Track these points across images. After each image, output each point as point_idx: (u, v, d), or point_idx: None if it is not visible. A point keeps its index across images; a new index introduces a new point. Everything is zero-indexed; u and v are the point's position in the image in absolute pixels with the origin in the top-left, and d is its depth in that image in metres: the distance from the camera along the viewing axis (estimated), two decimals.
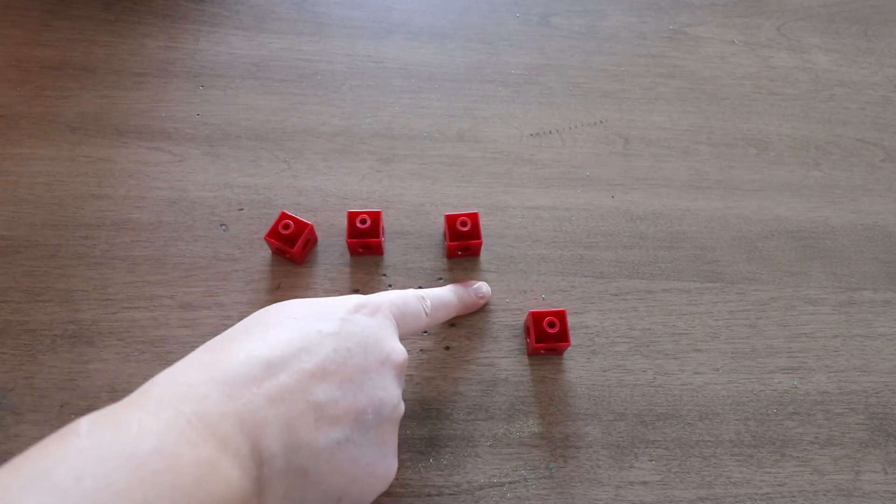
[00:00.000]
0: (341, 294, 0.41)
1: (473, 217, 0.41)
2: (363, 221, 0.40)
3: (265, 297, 0.41)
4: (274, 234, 0.40)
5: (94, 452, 0.20)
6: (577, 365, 0.40)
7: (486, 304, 0.41)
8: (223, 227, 0.43)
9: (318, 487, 0.25)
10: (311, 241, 0.42)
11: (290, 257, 0.41)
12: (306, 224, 0.40)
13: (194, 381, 0.24)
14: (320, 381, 0.25)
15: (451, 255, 0.42)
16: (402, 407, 0.29)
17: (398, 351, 0.29)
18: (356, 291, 0.41)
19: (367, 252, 0.42)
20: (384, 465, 0.28)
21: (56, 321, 0.39)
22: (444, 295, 0.37)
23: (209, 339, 0.39)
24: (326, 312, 0.28)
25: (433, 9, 0.54)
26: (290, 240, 0.40)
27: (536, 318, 0.38)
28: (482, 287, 0.40)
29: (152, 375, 0.36)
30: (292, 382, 0.25)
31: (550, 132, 0.49)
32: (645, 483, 0.37)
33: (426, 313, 0.34)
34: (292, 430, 0.24)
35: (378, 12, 0.54)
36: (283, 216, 0.40)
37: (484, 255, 0.43)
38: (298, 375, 0.25)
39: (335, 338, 0.27)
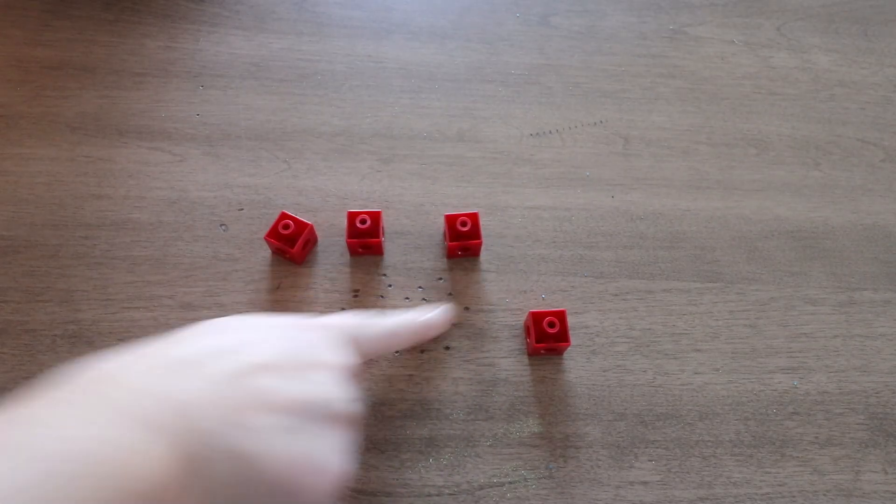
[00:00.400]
0: (340, 294, 0.41)
1: (473, 217, 0.41)
2: (363, 221, 0.40)
3: (265, 296, 0.41)
4: (274, 234, 0.40)
5: (8, 445, 0.20)
6: (577, 365, 0.40)
7: (449, 327, 0.39)
8: (223, 227, 0.43)
9: (260, 473, 0.24)
10: (311, 241, 0.42)
11: (290, 257, 0.41)
12: (306, 224, 0.40)
13: (130, 366, 0.24)
14: (265, 371, 0.26)
15: (451, 255, 0.42)
16: (339, 406, 0.28)
17: (337, 356, 0.29)
18: (356, 291, 0.41)
19: (367, 252, 0.42)
20: (331, 460, 0.27)
21: (56, 321, 0.39)
22: (402, 319, 0.35)
23: None
24: (275, 323, 0.30)
25: (433, 9, 0.54)
26: (290, 240, 0.40)
27: (536, 318, 0.38)
28: (441, 308, 0.37)
29: None
30: (235, 367, 0.25)
31: (550, 132, 0.49)
32: (645, 483, 0.37)
33: (381, 337, 0.34)
34: (233, 410, 0.24)
35: (378, 12, 0.54)
36: (283, 216, 0.40)
37: (484, 255, 0.43)
38: (241, 363, 0.26)
39: (282, 340, 0.28)
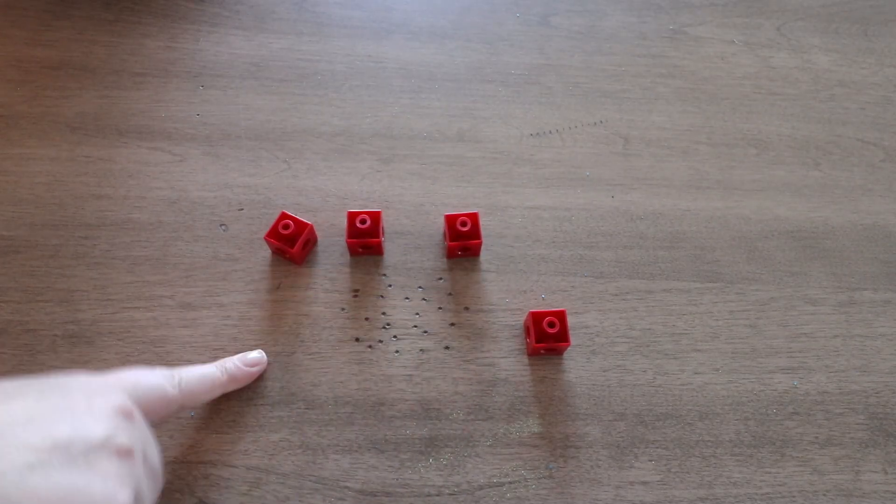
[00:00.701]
0: (340, 294, 0.41)
1: (473, 217, 0.41)
2: (363, 221, 0.40)
3: (265, 296, 0.41)
4: (274, 234, 0.40)
5: None
6: (577, 365, 0.40)
7: (261, 373, 0.38)
8: (223, 227, 0.43)
9: None
10: (311, 242, 0.42)
11: (290, 257, 0.41)
12: (306, 224, 0.40)
13: None
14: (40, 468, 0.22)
15: (451, 255, 0.42)
16: (123, 496, 0.24)
17: (116, 436, 0.26)
18: (356, 291, 0.41)
19: (366, 252, 0.42)
20: (99, 491, 0.24)
21: (56, 321, 0.39)
22: (204, 370, 0.34)
23: (209, 339, 0.39)
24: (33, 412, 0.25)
25: (433, 9, 0.54)
26: (290, 240, 0.40)
27: (536, 318, 0.38)
28: (249, 355, 0.38)
29: None
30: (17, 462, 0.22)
31: (550, 132, 0.49)
32: (645, 483, 0.37)
33: (174, 387, 0.31)
34: None
35: (378, 12, 0.54)
36: (283, 216, 0.40)
37: (484, 255, 0.43)
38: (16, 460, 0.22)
39: (38, 381, 0.26)
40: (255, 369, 0.37)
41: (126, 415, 0.27)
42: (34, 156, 0.44)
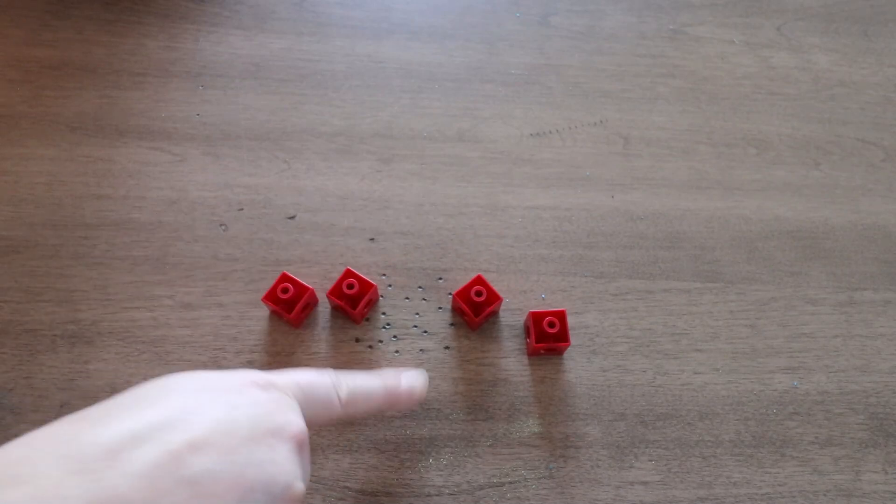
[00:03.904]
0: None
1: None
2: (350, 286, 0.38)
3: None
4: (272, 298, 0.38)
5: None
6: (577, 365, 0.40)
7: (418, 402, 0.34)
8: (223, 227, 0.43)
9: None
10: (311, 305, 0.40)
11: (288, 321, 0.39)
12: (307, 287, 0.38)
13: (36, 457, 0.20)
14: (197, 452, 0.21)
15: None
16: (299, 486, 0.24)
17: (295, 423, 0.25)
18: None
19: (340, 312, 0.41)
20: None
21: (56, 321, 0.39)
22: (368, 386, 0.31)
23: (209, 339, 0.39)
24: (213, 385, 0.25)
25: (433, 9, 0.54)
26: (289, 304, 0.38)
27: (536, 318, 0.38)
28: (416, 382, 0.33)
29: (152, 375, 0.36)
30: (160, 454, 0.20)
31: (550, 132, 0.49)
32: (645, 483, 0.37)
33: (340, 402, 0.29)
34: None
35: (378, 12, 0.54)
36: (284, 278, 0.38)
37: (484, 255, 0.43)
38: (168, 447, 0.21)
39: (219, 407, 0.23)
40: (415, 400, 0.33)
41: (301, 446, 0.25)
42: (34, 156, 0.44)
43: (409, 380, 0.33)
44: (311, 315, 0.40)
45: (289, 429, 0.24)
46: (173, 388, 0.24)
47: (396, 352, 0.40)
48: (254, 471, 0.22)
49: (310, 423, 0.27)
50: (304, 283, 0.39)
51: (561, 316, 0.38)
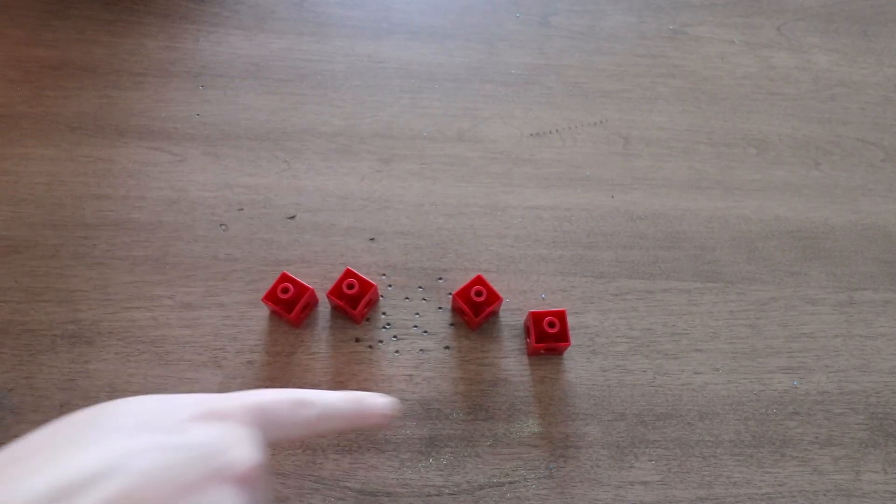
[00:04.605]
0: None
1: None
2: (350, 286, 0.38)
3: None
4: (272, 298, 0.38)
5: None
6: (577, 365, 0.40)
7: (389, 423, 0.33)
8: (223, 227, 0.43)
9: None
10: (311, 305, 0.40)
11: (288, 321, 0.39)
12: (307, 287, 0.38)
13: None
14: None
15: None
16: None
17: (240, 460, 0.23)
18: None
19: (340, 312, 0.41)
20: None
21: (56, 321, 0.39)
22: (335, 401, 0.29)
23: (209, 339, 0.39)
24: (155, 420, 0.23)
25: (433, 9, 0.54)
26: (289, 304, 0.38)
27: (536, 318, 0.38)
28: (386, 405, 0.32)
29: (152, 375, 0.36)
30: None
31: (550, 132, 0.49)
32: (645, 483, 0.37)
33: (305, 418, 0.28)
34: None
35: (378, 12, 0.54)
36: (284, 278, 0.38)
37: (484, 255, 0.43)
38: (94, 497, 0.19)
39: (154, 454, 0.21)
40: (386, 421, 0.32)
41: (247, 483, 0.23)
42: (34, 156, 0.44)
43: (377, 397, 0.32)
44: (311, 315, 0.40)
45: (233, 468, 0.23)
46: (110, 423, 0.22)
47: (396, 352, 0.40)
48: None
49: (273, 444, 0.26)
50: (304, 283, 0.39)
51: (561, 316, 0.38)
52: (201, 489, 0.21)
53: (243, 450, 0.23)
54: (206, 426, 0.23)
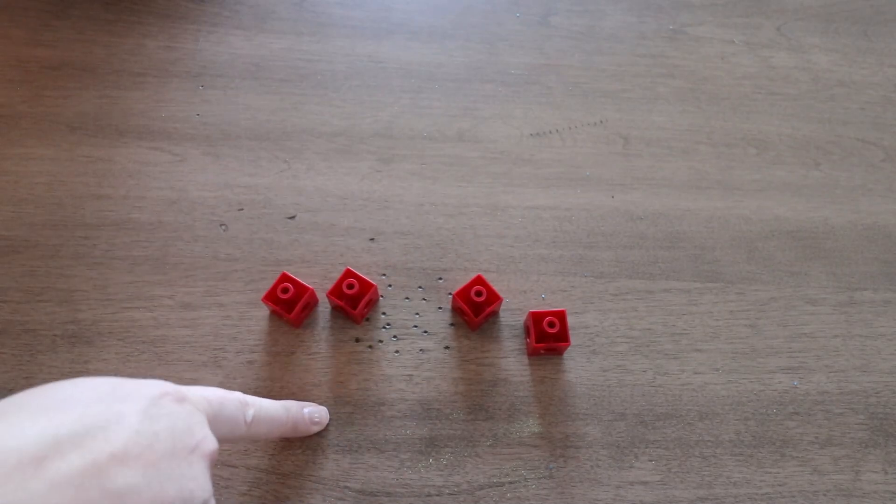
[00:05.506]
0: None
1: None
2: (350, 286, 0.38)
3: None
4: (272, 298, 0.38)
5: None
6: (577, 365, 0.40)
7: (319, 431, 0.36)
8: (223, 227, 0.43)
9: None
10: (311, 305, 0.40)
11: (288, 321, 0.39)
12: (307, 287, 0.38)
13: None
14: (120, 464, 0.21)
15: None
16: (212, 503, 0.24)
17: (210, 440, 0.25)
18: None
19: (340, 312, 0.41)
20: None
21: (56, 321, 0.39)
22: (273, 410, 0.32)
23: (209, 339, 0.39)
24: (129, 393, 0.24)
25: (433, 9, 0.54)
26: (289, 304, 0.38)
27: (536, 318, 0.38)
28: (317, 413, 0.36)
29: (152, 375, 0.36)
30: (84, 465, 0.20)
31: (550, 132, 0.49)
32: (645, 483, 0.37)
33: (246, 422, 0.29)
34: None
35: (378, 12, 0.54)
36: (284, 278, 0.38)
37: (484, 255, 0.43)
38: (93, 456, 0.20)
39: (140, 418, 0.23)
40: (316, 428, 0.36)
41: (213, 464, 0.25)
42: (34, 156, 0.44)
43: (311, 409, 0.36)
44: (311, 315, 0.40)
45: (205, 445, 0.24)
46: (88, 390, 0.23)
47: (396, 352, 0.40)
48: (174, 487, 0.22)
49: (218, 440, 0.28)
50: (304, 283, 0.38)
51: (561, 316, 0.38)
52: (181, 458, 0.23)
53: (207, 432, 0.25)
54: (176, 405, 0.24)
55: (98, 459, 0.20)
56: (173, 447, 0.23)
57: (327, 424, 0.37)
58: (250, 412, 0.30)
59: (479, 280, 0.39)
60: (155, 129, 0.46)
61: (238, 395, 0.30)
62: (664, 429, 0.38)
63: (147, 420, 0.23)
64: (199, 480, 0.23)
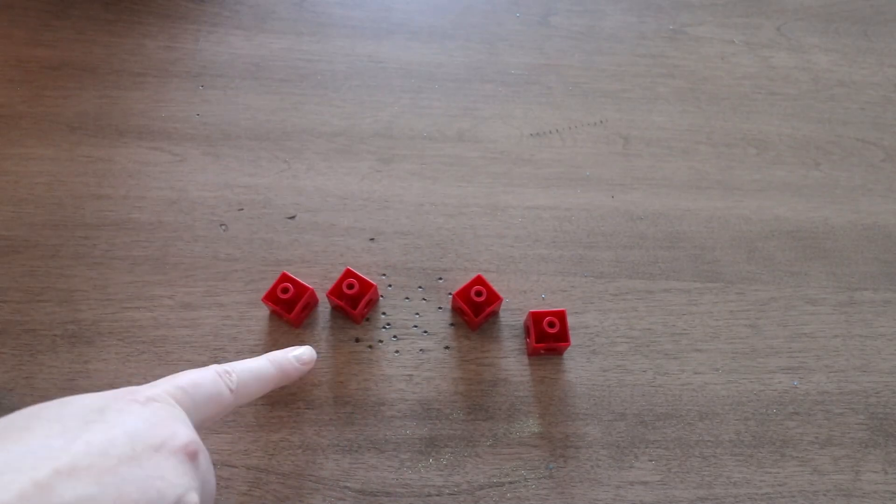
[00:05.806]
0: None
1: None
2: (350, 286, 0.38)
3: None
4: (272, 298, 0.38)
5: None
6: (577, 365, 0.40)
7: (309, 370, 0.36)
8: (223, 227, 0.43)
9: None
10: (311, 305, 0.40)
11: (287, 321, 0.39)
12: (307, 287, 0.38)
13: None
14: (67, 479, 0.20)
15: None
16: (193, 498, 0.23)
17: (181, 434, 0.25)
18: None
19: (340, 312, 0.41)
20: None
21: (56, 321, 0.39)
22: (257, 366, 0.32)
23: (209, 339, 0.39)
24: (86, 406, 0.24)
25: (433, 9, 0.54)
26: (289, 304, 0.38)
27: (536, 318, 0.38)
28: (304, 354, 0.35)
29: (152, 375, 0.36)
30: (24, 486, 0.19)
31: (550, 132, 0.49)
32: (645, 483, 0.37)
33: (231, 390, 0.29)
34: None
35: (378, 12, 0.54)
36: (284, 278, 0.38)
37: (484, 255, 0.43)
38: (36, 474, 0.20)
39: (92, 428, 0.22)
40: (306, 367, 0.35)
41: (191, 456, 0.25)
42: (34, 156, 0.44)
43: (297, 353, 0.35)
44: (311, 315, 0.40)
45: (173, 441, 0.24)
46: (40, 416, 0.23)
47: (396, 352, 0.40)
48: (136, 488, 0.21)
49: (204, 421, 0.28)
50: (304, 283, 0.39)
51: (561, 316, 0.38)
52: (144, 460, 0.22)
53: (182, 424, 0.25)
54: (141, 408, 0.25)
55: (39, 478, 0.20)
56: (133, 450, 0.22)
57: (327, 424, 0.37)
58: (234, 378, 0.30)
59: (479, 280, 0.39)
60: (155, 129, 0.46)
61: (213, 368, 0.30)
62: (664, 429, 0.38)
63: (103, 428, 0.22)
64: (170, 479, 0.23)
